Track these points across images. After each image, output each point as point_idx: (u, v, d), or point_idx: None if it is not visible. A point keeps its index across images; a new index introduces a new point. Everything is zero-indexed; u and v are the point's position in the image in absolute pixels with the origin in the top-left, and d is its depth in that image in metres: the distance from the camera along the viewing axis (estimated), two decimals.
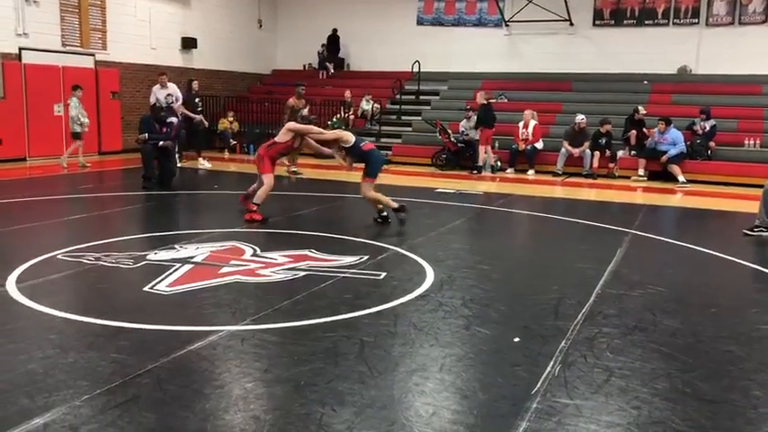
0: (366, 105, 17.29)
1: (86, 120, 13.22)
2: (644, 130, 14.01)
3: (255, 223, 7.79)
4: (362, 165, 8.13)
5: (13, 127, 13.56)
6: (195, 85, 14.23)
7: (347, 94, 17.22)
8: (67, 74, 14.53)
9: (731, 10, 16.16)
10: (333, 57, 20.14)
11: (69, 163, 13.12)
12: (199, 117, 14.04)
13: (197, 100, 14.20)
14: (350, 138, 8.06)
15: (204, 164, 13.93)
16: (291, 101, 12.97)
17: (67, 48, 14.69)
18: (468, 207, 9.76)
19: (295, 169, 12.82)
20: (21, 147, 13.83)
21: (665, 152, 13.29)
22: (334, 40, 20.06)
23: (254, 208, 7.98)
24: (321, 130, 8.65)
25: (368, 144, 8.24)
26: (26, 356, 3.76)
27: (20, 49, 13.74)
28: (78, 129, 13.09)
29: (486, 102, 14.26)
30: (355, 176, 13.13)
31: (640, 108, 14.22)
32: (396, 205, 7.93)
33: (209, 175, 13.04)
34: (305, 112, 13.18)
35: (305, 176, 12.59)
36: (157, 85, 13.26)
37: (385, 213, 8.09)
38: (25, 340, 4.05)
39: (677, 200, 11.57)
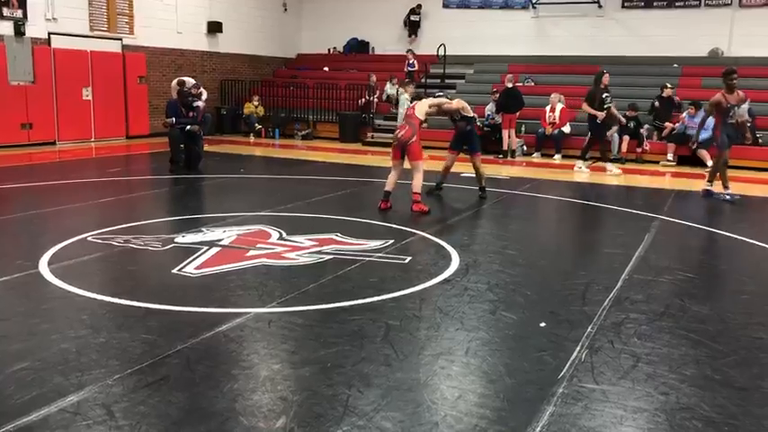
0: (391, 89, 17.20)
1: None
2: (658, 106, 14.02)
3: (424, 215, 7.64)
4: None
5: (43, 111, 13.75)
6: (606, 78, 12.27)
7: (372, 77, 17.14)
8: (95, 58, 14.69)
9: None
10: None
11: None
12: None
13: (605, 95, 12.10)
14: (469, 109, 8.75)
15: (614, 171, 12.13)
16: (719, 96, 9.55)
17: (95, 32, 14.83)
18: (494, 192, 9.70)
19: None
20: (50, 131, 14.02)
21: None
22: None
23: (419, 198, 7.82)
24: (446, 100, 8.74)
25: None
26: (59, 336, 3.84)
27: (49, 33, 13.89)
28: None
29: (509, 86, 14.12)
30: (371, 160, 13.11)
31: (668, 85, 14.08)
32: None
33: (235, 159, 13.12)
34: (745, 108, 10.70)
35: (335, 162, 12.59)
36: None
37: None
38: (58, 320, 4.14)
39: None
